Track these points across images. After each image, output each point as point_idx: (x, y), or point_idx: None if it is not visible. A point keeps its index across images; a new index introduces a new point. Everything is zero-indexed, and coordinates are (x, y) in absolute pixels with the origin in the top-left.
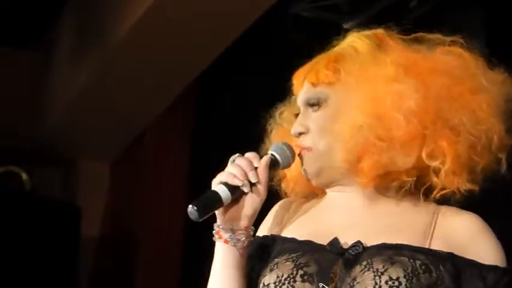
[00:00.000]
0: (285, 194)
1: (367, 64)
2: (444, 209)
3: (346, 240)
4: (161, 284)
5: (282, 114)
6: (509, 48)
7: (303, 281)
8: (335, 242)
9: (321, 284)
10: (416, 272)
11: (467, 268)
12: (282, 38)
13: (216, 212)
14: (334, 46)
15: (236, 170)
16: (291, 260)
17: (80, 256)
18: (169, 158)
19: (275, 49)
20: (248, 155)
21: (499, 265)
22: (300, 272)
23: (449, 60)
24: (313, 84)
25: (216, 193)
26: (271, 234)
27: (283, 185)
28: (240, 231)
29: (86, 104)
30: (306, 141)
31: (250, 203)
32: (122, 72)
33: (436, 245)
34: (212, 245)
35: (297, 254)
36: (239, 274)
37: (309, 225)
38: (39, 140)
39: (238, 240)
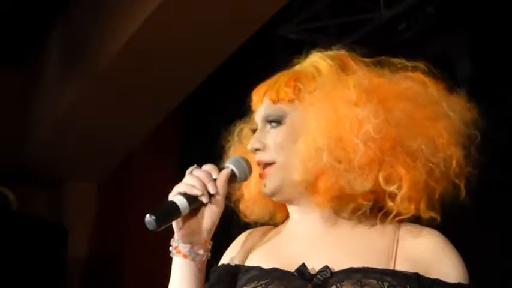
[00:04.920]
0: (244, 215)
1: (329, 85)
2: (404, 228)
3: (313, 266)
4: None
5: (242, 131)
6: (494, 69)
7: None
8: (302, 268)
9: None
10: None
11: (432, 287)
12: (269, 60)
13: (174, 226)
14: (295, 64)
15: (194, 180)
16: (260, 287)
17: (66, 277)
18: (156, 179)
19: (262, 71)
20: (206, 167)
21: (462, 282)
22: None
23: (412, 85)
24: (273, 101)
25: (174, 203)
26: (235, 264)
27: (241, 206)
28: (198, 245)
29: (72, 125)
30: (263, 157)
31: (209, 215)
32: (109, 93)
33: (401, 266)
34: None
35: (266, 281)
36: None
37: (273, 253)
38: (26, 160)
39: (197, 254)
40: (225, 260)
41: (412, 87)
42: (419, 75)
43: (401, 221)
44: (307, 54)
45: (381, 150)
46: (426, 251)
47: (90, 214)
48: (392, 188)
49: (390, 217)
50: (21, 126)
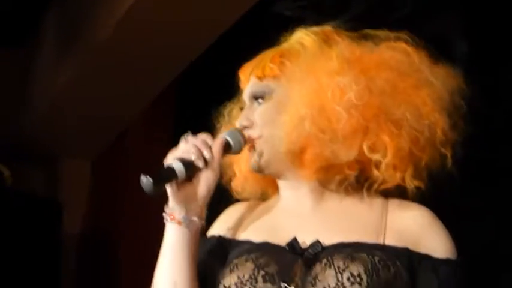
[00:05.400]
0: (236, 193)
1: (312, 58)
2: (392, 202)
3: (304, 240)
4: (143, 280)
5: (231, 112)
6: (491, 49)
7: (265, 281)
8: (294, 242)
9: (283, 284)
10: (375, 268)
11: (421, 262)
12: (264, 37)
13: (169, 192)
14: (282, 42)
15: (190, 146)
16: (251, 260)
17: (61, 252)
18: (151, 155)
19: (257, 48)
20: (201, 135)
21: (450, 257)
22: (262, 272)
23: (394, 55)
24: (259, 78)
25: (170, 167)
26: (226, 237)
27: (233, 185)
28: (193, 212)
29: (68, 102)
30: (251, 133)
31: (205, 181)
32: (104, 71)
33: (390, 240)
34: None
35: (257, 254)
36: (191, 256)
37: (263, 228)
38: (22, 136)
39: (192, 221)
40: (214, 231)
41: (394, 56)
42: (401, 45)
43: (388, 196)
44: (292, 31)
45: (364, 119)
46: (414, 226)
47: (85, 190)
48: (376, 156)
49: (375, 186)
50: (17, 103)
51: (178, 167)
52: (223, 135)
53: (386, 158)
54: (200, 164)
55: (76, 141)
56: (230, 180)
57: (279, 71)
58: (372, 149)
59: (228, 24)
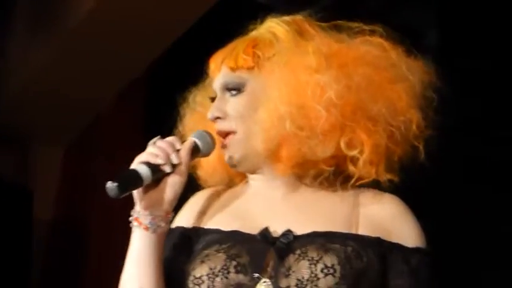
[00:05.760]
0: (204, 181)
1: (288, 52)
2: (364, 193)
3: (275, 229)
4: (112, 267)
5: (196, 97)
6: (463, 39)
7: (237, 272)
8: (265, 231)
9: (255, 275)
10: (349, 258)
11: (393, 251)
12: (237, 26)
13: (135, 197)
14: (251, 30)
15: (157, 150)
16: (222, 251)
17: (31, 239)
18: (123, 143)
19: (230, 36)
20: (169, 138)
21: (420, 246)
22: (234, 262)
23: (371, 49)
24: (232, 69)
25: (135, 171)
26: (193, 226)
27: (200, 173)
28: (160, 217)
29: (40, 87)
30: (223, 126)
31: (172, 186)
32: (77, 56)
33: (363, 230)
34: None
35: (228, 244)
36: (157, 260)
37: (233, 215)
38: None
39: (159, 226)
40: (180, 222)
41: (370, 51)
42: (377, 39)
43: (360, 187)
44: (262, 19)
45: (342, 116)
46: (386, 216)
47: (56, 177)
48: (354, 153)
49: (352, 181)
50: None
51: (145, 171)
52: (192, 137)
53: (363, 154)
54: (167, 168)
55: (47, 126)
56: (196, 168)
57: (252, 62)
58: (349, 146)
59: (201, 11)
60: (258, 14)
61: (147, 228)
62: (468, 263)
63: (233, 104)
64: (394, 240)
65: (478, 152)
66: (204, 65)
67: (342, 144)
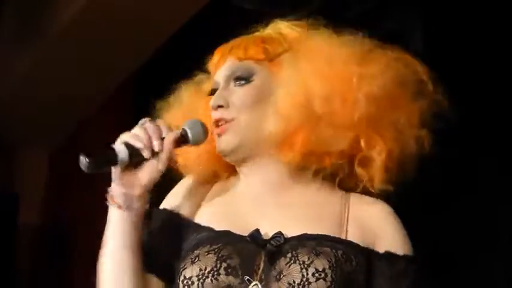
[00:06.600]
0: (185, 168)
1: (320, 43)
2: (354, 196)
3: (266, 231)
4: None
5: (185, 92)
6: (447, 44)
7: (227, 274)
8: (256, 233)
9: (246, 277)
10: (339, 262)
11: (380, 257)
12: (223, 31)
13: (113, 175)
14: (248, 34)
15: (142, 133)
16: (213, 252)
17: (16, 244)
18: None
19: (216, 40)
20: (159, 122)
21: (406, 253)
22: (224, 264)
23: (399, 58)
24: (240, 59)
25: (113, 151)
26: (182, 215)
27: (181, 160)
28: (133, 197)
29: (26, 91)
30: (225, 114)
31: (149, 171)
32: (63, 62)
33: (351, 234)
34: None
35: (219, 245)
36: (133, 241)
37: (224, 214)
38: None
39: (132, 206)
40: (168, 204)
41: (398, 67)
42: (406, 56)
43: (349, 190)
44: (267, 23)
45: (369, 114)
46: (374, 222)
47: (43, 181)
48: (372, 153)
49: (361, 185)
50: None
51: (123, 152)
52: (184, 125)
53: (382, 155)
54: (146, 154)
55: (33, 131)
56: (178, 155)
57: (263, 54)
58: (369, 145)
59: (189, 14)
60: (246, 18)
61: (120, 207)
62: (451, 268)
63: (239, 94)
64: (382, 245)
65: (461, 158)
66: (192, 66)
67: (362, 142)
